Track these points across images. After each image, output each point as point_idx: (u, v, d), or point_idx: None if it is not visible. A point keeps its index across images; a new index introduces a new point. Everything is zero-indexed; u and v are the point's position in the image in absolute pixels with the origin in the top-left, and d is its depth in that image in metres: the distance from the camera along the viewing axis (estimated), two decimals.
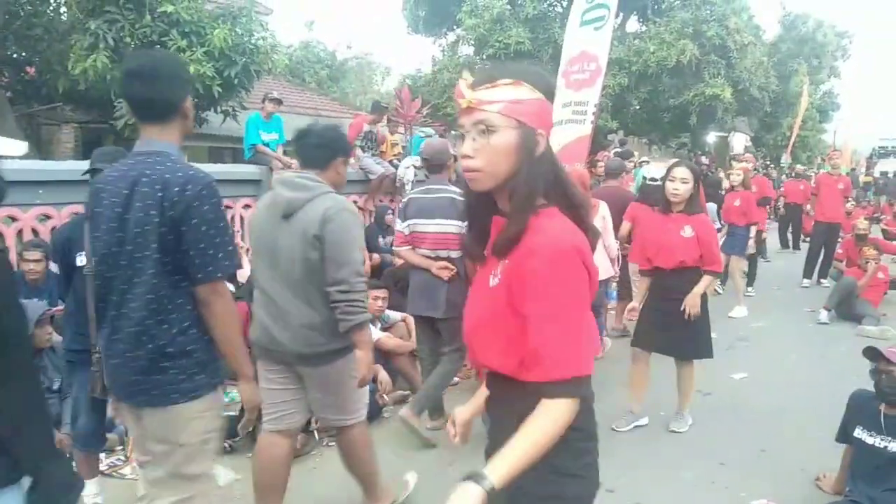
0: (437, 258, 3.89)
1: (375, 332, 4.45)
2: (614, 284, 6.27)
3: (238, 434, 3.53)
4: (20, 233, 4.53)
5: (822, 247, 9.02)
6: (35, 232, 4.60)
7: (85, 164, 3.14)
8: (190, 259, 1.97)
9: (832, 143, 27.97)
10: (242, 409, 2.38)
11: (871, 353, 3.15)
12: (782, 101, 20.74)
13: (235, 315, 2.13)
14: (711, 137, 20.22)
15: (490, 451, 1.51)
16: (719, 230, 7.47)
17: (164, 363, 2.02)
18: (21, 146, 1.49)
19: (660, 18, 16.48)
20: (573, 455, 1.46)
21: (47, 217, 4.69)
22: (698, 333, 4.07)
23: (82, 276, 2.86)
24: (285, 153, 7.39)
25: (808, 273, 9.21)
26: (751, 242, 7.45)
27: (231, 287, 2.38)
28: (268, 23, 9.42)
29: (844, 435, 3.30)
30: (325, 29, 39.64)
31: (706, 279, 3.99)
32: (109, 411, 3.14)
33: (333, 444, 3.88)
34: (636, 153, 12.40)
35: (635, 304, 4.30)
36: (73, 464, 3.02)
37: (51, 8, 9.00)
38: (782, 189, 13.13)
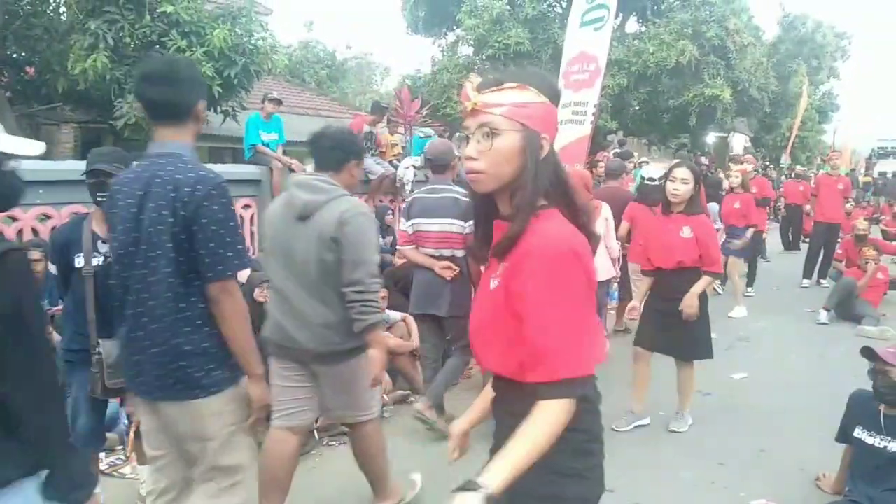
0: (441, 257, 3.92)
1: None
2: (615, 285, 6.28)
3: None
4: (20, 233, 4.53)
5: (821, 247, 9.03)
6: (35, 232, 4.60)
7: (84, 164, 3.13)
8: (200, 258, 2.02)
9: (832, 143, 27.95)
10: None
11: (868, 353, 3.15)
12: (782, 102, 20.74)
13: (245, 314, 2.16)
14: (711, 138, 20.23)
15: (495, 452, 1.50)
16: (718, 231, 7.48)
17: (184, 360, 2.07)
18: (38, 146, 1.51)
19: (659, 19, 16.48)
20: (578, 456, 1.47)
21: (47, 217, 4.69)
22: (698, 334, 4.07)
23: (80, 278, 2.87)
24: (285, 153, 7.39)
25: (807, 273, 9.21)
26: (737, 242, 7.41)
27: None
28: (267, 23, 9.43)
29: (844, 435, 3.31)
30: (325, 29, 39.77)
31: (704, 280, 3.98)
32: (108, 411, 3.15)
33: (333, 443, 3.91)
34: (636, 154, 12.40)
35: (636, 302, 4.31)
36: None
37: (50, 8, 9.00)
38: (782, 190, 13.13)
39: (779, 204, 13.28)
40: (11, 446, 1.43)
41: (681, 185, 3.93)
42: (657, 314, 4.10)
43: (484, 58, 15.86)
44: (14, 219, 4.52)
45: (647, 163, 10.28)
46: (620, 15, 16.27)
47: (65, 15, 8.66)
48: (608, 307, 6.32)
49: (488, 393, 1.65)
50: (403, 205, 4.42)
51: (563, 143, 5.63)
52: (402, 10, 18.92)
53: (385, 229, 6.93)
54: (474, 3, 15.91)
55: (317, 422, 3.78)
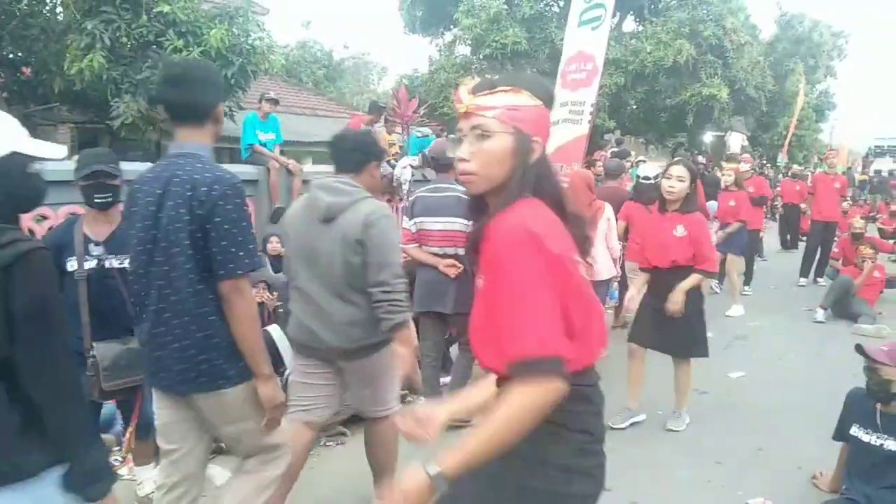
0: (445, 255, 3.94)
1: None
2: (615, 284, 6.30)
3: None
4: None
5: (818, 246, 9.04)
6: (31, 232, 4.58)
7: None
8: (213, 256, 2.07)
9: (828, 142, 28.03)
10: None
11: (860, 352, 3.17)
12: (779, 101, 20.79)
13: (255, 314, 2.21)
14: (708, 137, 20.25)
15: None
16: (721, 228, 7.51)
17: (210, 352, 2.12)
18: (61, 150, 1.56)
19: (656, 18, 16.51)
20: (581, 455, 1.49)
21: (44, 217, 4.68)
22: (694, 332, 4.08)
23: (73, 281, 2.87)
24: (282, 153, 7.38)
25: (804, 272, 9.22)
26: (720, 233, 7.40)
27: None
28: (264, 23, 9.41)
29: (841, 433, 3.31)
30: (322, 29, 39.72)
31: (694, 277, 3.96)
32: (104, 412, 3.14)
33: (331, 444, 3.91)
34: (633, 153, 12.41)
35: (633, 292, 4.31)
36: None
37: (47, 8, 8.97)
38: (779, 189, 13.15)
39: (776, 203, 13.29)
40: (35, 438, 1.48)
41: (676, 182, 3.94)
42: (653, 312, 4.10)
43: (481, 57, 15.89)
44: None
45: (643, 162, 10.30)
46: (618, 14, 16.31)
47: (61, 15, 8.63)
48: (606, 306, 6.33)
49: (478, 391, 1.66)
50: (406, 204, 4.44)
51: (560, 142, 5.62)
52: (399, 10, 18.94)
53: None
54: (472, 3, 15.93)
55: None
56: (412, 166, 7.69)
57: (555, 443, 1.46)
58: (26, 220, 4.55)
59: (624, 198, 6.11)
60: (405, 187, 7.51)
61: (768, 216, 12.87)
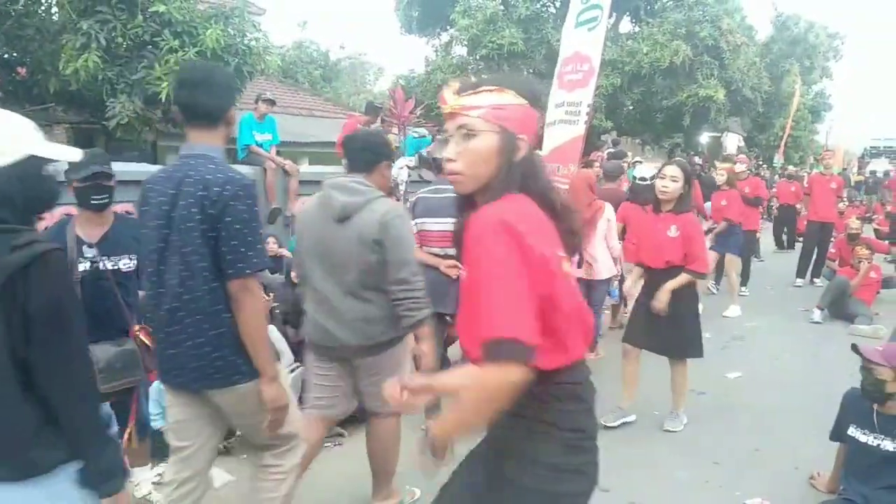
0: (446, 256, 3.93)
1: None
2: (616, 283, 6.33)
3: (233, 435, 3.53)
4: None
5: (815, 246, 9.06)
6: None
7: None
8: (223, 255, 2.11)
9: (825, 143, 28.12)
10: None
11: (857, 351, 3.17)
12: (775, 102, 20.84)
13: (262, 314, 2.24)
14: (704, 138, 20.28)
15: (484, 442, 1.59)
16: (710, 230, 7.52)
17: (222, 349, 2.17)
18: (76, 152, 1.59)
19: (653, 19, 16.52)
20: (572, 453, 1.49)
21: (40, 218, 4.66)
22: (688, 333, 4.08)
23: None
24: (278, 153, 7.36)
25: (801, 272, 9.24)
26: (705, 224, 7.43)
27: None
28: (260, 23, 9.37)
29: (838, 433, 3.31)
30: (318, 29, 39.82)
31: (683, 276, 3.95)
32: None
33: (329, 444, 3.90)
34: (629, 153, 12.42)
35: (630, 283, 4.33)
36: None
37: (42, 8, 8.94)
38: (775, 190, 13.17)
39: (772, 204, 13.31)
40: (51, 435, 1.51)
41: (670, 182, 3.94)
42: (647, 313, 4.09)
43: (478, 58, 15.86)
44: None
45: (640, 162, 10.31)
46: (614, 15, 16.32)
47: (57, 15, 8.59)
48: (605, 305, 6.35)
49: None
50: (406, 205, 4.45)
51: (557, 143, 5.61)
52: (395, 10, 18.91)
53: None
54: (468, 3, 15.91)
55: None
56: (408, 167, 7.68)
57: (545, 441, 1.48)
58: None
59: (621, 199, 6.13)
60: (402, 188, 7.50)
61: (765, 217, 12.88)
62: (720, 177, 7.68)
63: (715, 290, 8.29)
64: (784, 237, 12.38)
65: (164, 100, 7.47)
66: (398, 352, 2.88)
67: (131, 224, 3.33)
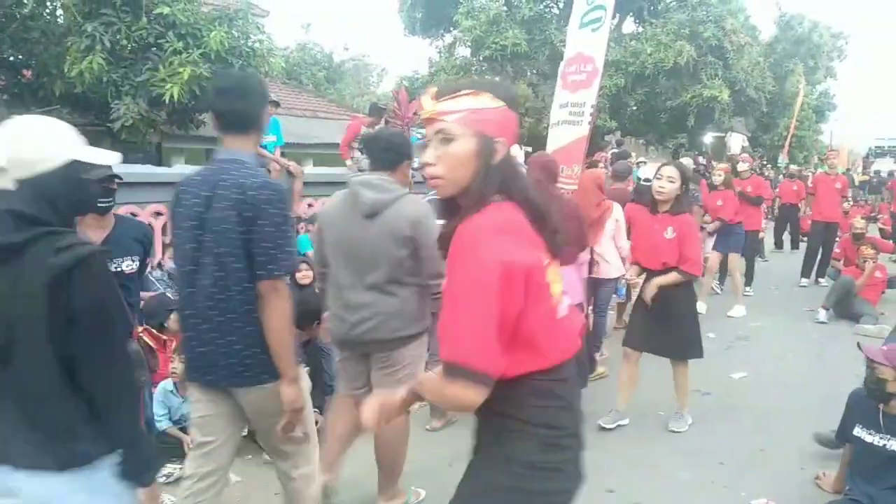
0: None
1: None
2: (623, 281, 6.34)
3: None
4: None
5: (819, 246, 9.03)
6: None
7: None
8: (254, 256, 2.17)
9: (829, 143, 28.04)
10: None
11: (861, 349, 3.17)
12: (779, 102, 20.80)
13: (289, 315, 2.27)
14: (709, 138, 20.26)
15: (477, 450, 1.60)
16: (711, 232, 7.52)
17: (253, 348, 2.22)
18: (116, 156, 1.63)
19: (656, 20, 16.52)
20: (549, 451, 1.49)
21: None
22: (688, 334, 4.08)
23: None
24: (283, 155, 7.37)
25: (806, 272, 9.21)
26: (711, 225, 7.49)
27: None
28: (264, 25, 9.40)
29: (844, 434, 3.31)
30: (322, 31, 39.94)
31: (673, 275, 3.94)
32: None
33: None
34: (633, 154, 12.40)
35: (633, 272, 4.34)
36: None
37: (47, 11, 8.98)
38: (778, 190, 13.13)
39: (774, 204, 13.26)
40: (92, 428, 1.56)
41: (666, 182, 3.94)
42: (646, 315, 4.09)
43: (481, 59, 15.89)
44: None
45: (644, 163, 10.30)
46: (617, 16, 16.31)
47: (62, 18, 8.63)
48: (610, 305, 6.35)
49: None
50: None
51: (560, 143, 5.61)
52: (399, 12, 18.95)
53: None
54: (471, 5, 15.94)
55: (317, 423, 3.78)
56: (413, 168, 7.67)
57: (520, 439, 1.49)
58: None
59: (627, 200, 6.13)
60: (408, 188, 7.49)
61: (768, 216, 12.84)
62: (717, 177, 7.69)
63: (719, 290, 8.28)
64: (788, 237, 12.34)
65: (168, 101, 7.49)
66: (414, 348, 2.93)
67: (132, 226, 3.36)
